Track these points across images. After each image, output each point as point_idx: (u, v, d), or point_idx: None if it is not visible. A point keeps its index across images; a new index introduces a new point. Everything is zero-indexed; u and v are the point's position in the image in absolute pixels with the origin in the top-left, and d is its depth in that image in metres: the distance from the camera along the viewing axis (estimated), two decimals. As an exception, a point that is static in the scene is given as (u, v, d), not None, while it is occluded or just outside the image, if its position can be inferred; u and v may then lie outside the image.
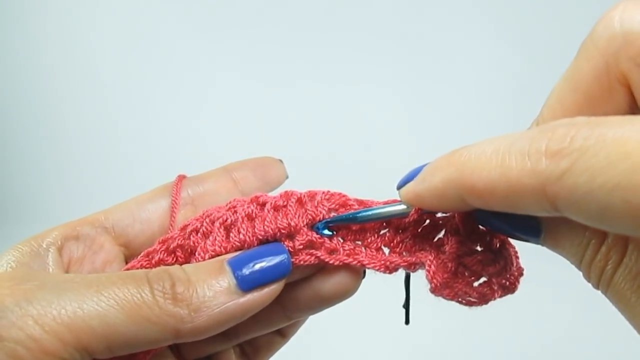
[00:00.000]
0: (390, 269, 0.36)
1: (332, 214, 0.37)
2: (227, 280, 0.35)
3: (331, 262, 0.37)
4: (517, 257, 0.36)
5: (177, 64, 1.51)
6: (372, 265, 0.36)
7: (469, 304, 0.36)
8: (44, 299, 0.31)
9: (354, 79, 1.39)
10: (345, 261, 0.36)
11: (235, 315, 0.35)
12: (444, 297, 0.35)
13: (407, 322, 0.40)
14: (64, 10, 1.53)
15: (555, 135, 0.25)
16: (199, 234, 0.38)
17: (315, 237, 0.37)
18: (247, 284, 0.35)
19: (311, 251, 0.37)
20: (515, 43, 1.29)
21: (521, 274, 0.36)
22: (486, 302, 0.35)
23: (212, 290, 0.34)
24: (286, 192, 0.38)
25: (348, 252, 0.37)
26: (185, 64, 1.50)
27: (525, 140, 0.26)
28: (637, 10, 0.26)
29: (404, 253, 0.37)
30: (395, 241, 0.37)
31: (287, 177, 0.47)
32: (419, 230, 0.37)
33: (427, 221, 0.37)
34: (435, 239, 0.37)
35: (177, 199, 0.44)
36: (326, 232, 0.37)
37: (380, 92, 1.39)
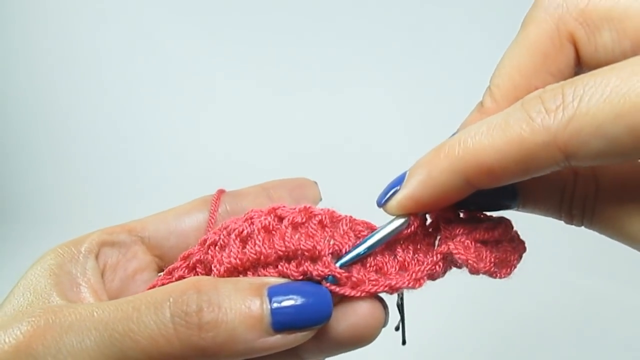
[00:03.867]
0: (419, 280, 0.35)
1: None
2: (262, 314, 0.31)
3: (358, 294, 0.34)
4: (511, 222, 0.37)
5: (179, 66, 1.51)
6: (402, 285, 0.35)
7: (501, 274, 0.35)
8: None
9: (355, 80, 1.39)
10: (372, 291, 0.34)
11: (255, 352, 0.32)
12: (482, 273, 0.35)
13: (403, 342, 0.39)
14: (64, 10, 1.53)
15: (546, 97, 0.28)
16: (216, 247, 0.36)
17: (339, 272, 0.34)
18: (281, 325, 0.31)
19: (334, 286, 0.34)
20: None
21: (517, 232, 0.37)
22: (512, 265, 0.36)
23: (243, 325, 0.30)
24: (305, 208, 0.36)
25: (373, 282, 0.35)
26: (187, 66, 1.50)
27: (518, 110, 0.29)
28: None
29: (426, 260, 0.36)
30: (407, 258, 0.36)
31: (320, 200, 0.46)
32: (420, 238, 0.37)
33: (421, 232, 0.37)
34: (438, 238, 0.37)
35: (214, 214, 0.44)
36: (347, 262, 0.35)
37: (380, 92, 1.39)
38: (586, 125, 0.27)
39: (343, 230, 0.36)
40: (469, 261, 0.34)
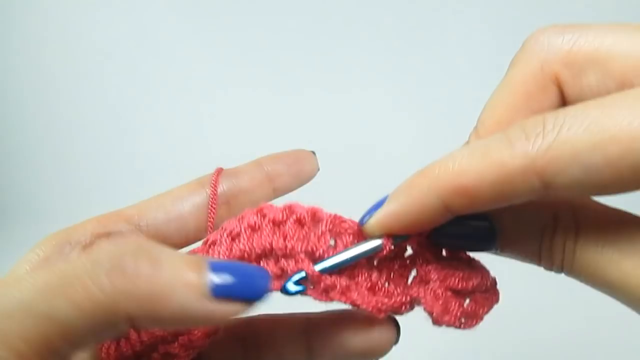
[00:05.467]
0: (382, 311, 0.35)
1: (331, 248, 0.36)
2: (201, 278, 0.29)
3: (323, 300, 0.35)
4: (489, 272, 0.37)
5: (179, 66, 1.51)
6: (366, 306, 0.35)
7: (466, 325, 0.35)
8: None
9: (356, 81, 1.39)
10: (339, 300, 0.35)
11: (195, 318, 0.30)
12: (446, 325, 0.35)
13: None
14: (64, 9, 1.53)
15: (527, 126, 0.29)
16: (215, 246, 0.36)
17: (311, 269, 0.34)
18: (220, 292, 0.30)
19: (303, 286, 0.34)
20: (515, 43, 1.29)
21: (495, 281, 0.37)
22: (479, 317, 0.36)
23: (181, 283, 0.28)
24: (290, 205, 0.36)
25: (343, 290, 0.35)
26: (187, 66, 1.50)
27: (500, 137, 0.30)
28: (555, 29, 0.34)
29: (396, 291, 0.36)
30: (380, 282, 0.36)
31: (318, 170, 0.46)
32: (396, 268, 0.37)
33: (398, 262, 0.37)
34: (413, 275, 0.37)
35: (215, 196, 0.42)
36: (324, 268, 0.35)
37: (380, 92, 1.39)
38: (564, 153, 0.28)
39: (321, 231, 0.36)
40: (434, 314, 0.34)
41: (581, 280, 0.33)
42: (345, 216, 0.37)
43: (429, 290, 0.35)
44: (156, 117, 1.55)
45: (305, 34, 1.41)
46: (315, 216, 0.36)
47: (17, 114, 1.62)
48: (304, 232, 0.36)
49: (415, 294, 0.35)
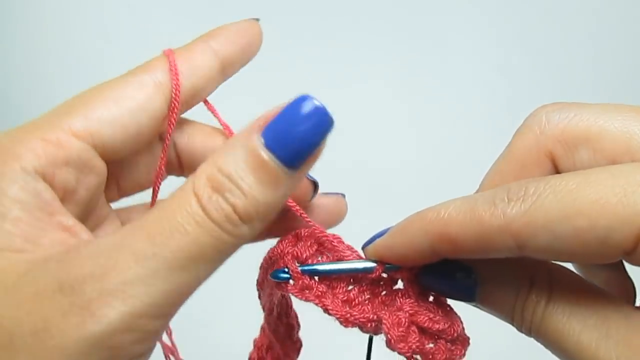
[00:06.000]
0: (349, 322, 0.39)
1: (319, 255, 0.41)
2: (275, 171, 0.31)
3: (300, 298, 0.39)
4: (462, 325, 0.40)
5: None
6: (335, 312, 0.39)
7: None
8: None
9: (354, 79, 1.39)
10: (313, 301, 0.39)
11: (285, 195, 0.33)
12: (399, 352, 0.38)
13: None
14: (65, 9, 1.54)
15: (512, 189, 0.32)
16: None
17: (294, 267, 0.39)
18: (294, 163, 0.32)
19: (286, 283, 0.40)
20: (515, 42, 1.29)
21: (467, 342, 0.40)
22: None
23: (269, 193, 0.31)
24: (297, 232, 0.41)
25: (319, 294, 0.39)
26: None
27: (488, 195, 0.33)
28: (554, 107, 0.37)
29: (366, 309, 0.40)
30: (357, 299, 0.40)
31: (262, 41, 0.44)
32: (380, 292, 0.41)
33: (384, 289, 0.41)
34: (391, 301, 0.40)
35: (177, 96, 0.37)
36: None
37: (379, 92, 1.40)
38: (538, 219, 0.30)
39: (310, 242, 0.41)
40: (389, 335, 0.37)
41: (545, 345, 0.35)
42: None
43: (395, 315, 0.38)
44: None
45: (304, 32, 1.41)
46: (313, 234, 0.41)
47: (18, 115, 1.62)
48: (296, 242, 0.41)
49: (382, 315, 0.39)
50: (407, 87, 1.38)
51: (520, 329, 0.37)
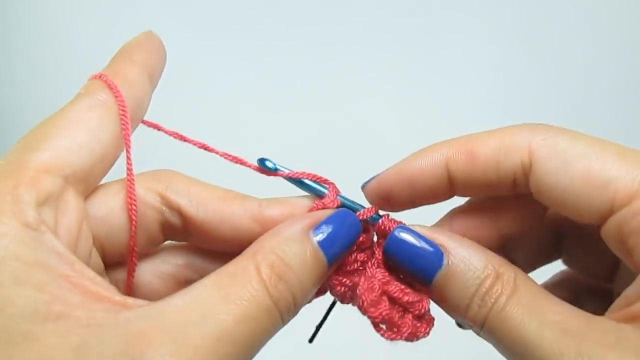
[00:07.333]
0: (324, 288, 0.41)
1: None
2: (323, 267, 0.36)
3: None
4: (429, 304, 0.40)
5: (179, 66, 1.50)
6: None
7: (385, 333, 0.39)
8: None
9: (352, 76, 1.39)
10: None
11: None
12: (369, 317, 0.39)
13: (311, 340, 0.44)
14: (66, 9, 1.54)
15: (543, 125, 0.38)
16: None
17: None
18: (334, 260, 0.37)
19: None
20: (513, 41, 1.29)
21: (432, 322, 0.41)
22: (400, 334, 0.39)
23: (316, 285, 0.37)
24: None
25: None
26: (185, 68, 1.50)
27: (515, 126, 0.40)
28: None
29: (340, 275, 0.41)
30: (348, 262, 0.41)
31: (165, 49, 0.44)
32: (354, 260, 0.42)
33: (356, 255, 0.42)
34: (362, 270, 0.42)
35: (127, 125, 0.37)
36: None
37: (378, 90, 1.40)
38: (559, 145, 0.36)
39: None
40: (363, 299, 0.39)
41: (493, 340, 0.36)
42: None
43: (370, 281, 0.40)
44: (157, 117, 1.54)
45: (303, 37, 1.41)
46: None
47: (18, 115, 1.62)
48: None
49: (356, 280, 0.40)
50: (407, 87, 1.38)
51: (469, 322, 0.37)
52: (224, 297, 0.31)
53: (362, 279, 0.40)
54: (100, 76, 0.39)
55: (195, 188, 0.41)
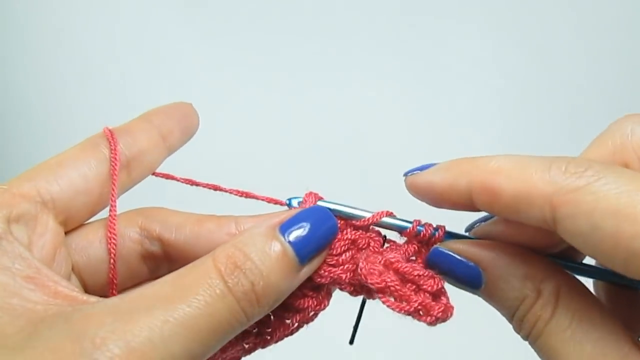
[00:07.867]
0: (322, 277, 0.40)
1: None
2: (291, 262, 0.35)
3: None
4: (444, 285, 0.39)
5: (179, 64, 1.51)
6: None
7: (393, 305, 0.38)
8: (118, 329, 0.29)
9: (352, 76, 1.39)
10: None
11: (293, 288, 0.36)
12: (370, 284, 0.38)
13: (351, 342, 0.43)
14: (66, 9, 1.54)
15: (573, 162, 0.30)
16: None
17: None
18: (306, 258, 0.36)
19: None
20: (514, 41, 1.29)
21: (450, 311, 0.39)
22: (411, 306, 0.38)
23: (283, 280, 0.35)
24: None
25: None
26: (185, 64, 1.50)
27: (546, 160, 0.32)
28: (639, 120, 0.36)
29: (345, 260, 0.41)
30: (340, 259, 0.41)
31: (198, 115, 0.47)
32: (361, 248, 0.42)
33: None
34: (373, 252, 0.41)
35: (115, 163, 0.39)
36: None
37: (377, 88, 1.40)
38: (583, 203, 0.29)
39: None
40: (360, 265, 0.38)
41: (539, 355, 0.35)
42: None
43: (371, 256, 0.39)
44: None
45: (303, 34, 1.41)
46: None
47: (18, 115, 1.62)
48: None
49: (358, 257, 0.40)
50: (406, 88, 1.38)
51: (518, 332, 0.36)
52: (178, 285, 0.32)
53: (363, 256, 0.40)
54: (112, 133, 0.42)
55: (173, 216, 0.43)
